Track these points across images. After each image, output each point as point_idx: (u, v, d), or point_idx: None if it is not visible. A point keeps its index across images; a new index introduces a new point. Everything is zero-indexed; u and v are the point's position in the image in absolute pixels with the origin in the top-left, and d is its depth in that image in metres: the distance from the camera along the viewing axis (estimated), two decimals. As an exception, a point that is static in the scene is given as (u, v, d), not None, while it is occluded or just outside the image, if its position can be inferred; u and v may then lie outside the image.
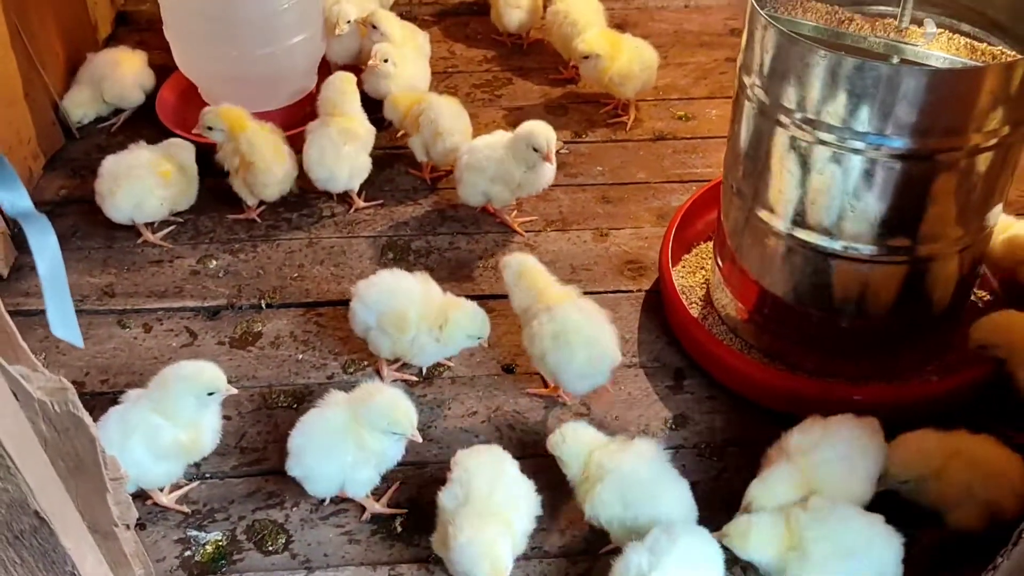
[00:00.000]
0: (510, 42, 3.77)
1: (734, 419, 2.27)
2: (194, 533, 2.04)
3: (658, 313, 2.55)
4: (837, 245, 2.07)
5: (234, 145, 2.74)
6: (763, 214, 2.17)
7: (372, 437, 1.97)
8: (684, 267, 2.65)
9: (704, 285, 2.59)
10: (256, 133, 2.75)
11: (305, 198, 2.93)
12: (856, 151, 1.92)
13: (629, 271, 2.70)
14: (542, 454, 2.01)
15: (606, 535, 1.99)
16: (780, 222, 2.13)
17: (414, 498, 2.10)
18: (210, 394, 2.00)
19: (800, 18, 2.12)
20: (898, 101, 1.83)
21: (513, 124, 3.21)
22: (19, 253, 2.70)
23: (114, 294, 2.64)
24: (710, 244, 2.65)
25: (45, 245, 1.08)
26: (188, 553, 2.00)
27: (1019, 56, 1.90)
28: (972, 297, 2.42)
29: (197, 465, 2.13)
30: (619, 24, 3.79)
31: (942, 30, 2.05)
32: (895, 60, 2.02)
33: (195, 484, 2.13)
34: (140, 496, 2.05)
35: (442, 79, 3.55)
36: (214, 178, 2.84)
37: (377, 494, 2.08)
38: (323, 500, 2.09)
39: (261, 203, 2.88)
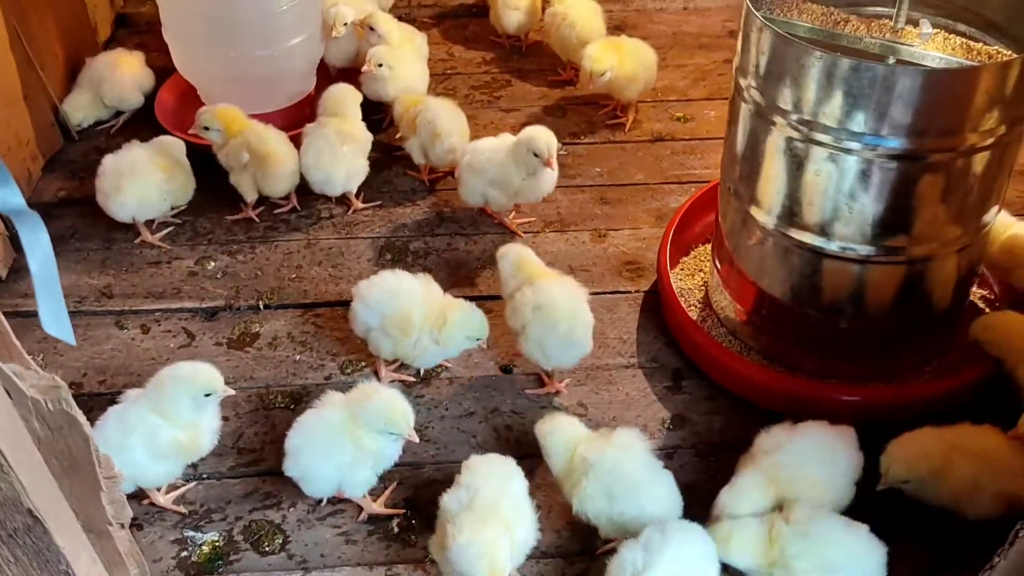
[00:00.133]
0: (509, 44, 3.77)
1: (733, 420, 2.27)
2: (191, 534, 2.04)
3: (656, 314, 2.55)
4: (834, 246, 2.07)
5: (242, 140, 2.74)
6: (760, 215, 2.17)
7: (369, 437, 1.98)
8: (682, 269, 2.65)
9: (703, 287, 2.59)
10: (261, 127, 2.78)
11: (304, 200, 2.93)
12: (852, 152, 1.92)
13: (627, 272, 2.70)
14: (540, 455, 2.00)
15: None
16: (777, 223, 2.13)
17: (411, 499, 2.10)
18: (207, 395, 2.00)
19: (796, 19, 2.12)
20: (894, 101, 1.82)
21: (512, 126, 3.23)
22: (17, 254, 2.71)
23: (112, 295, 2.64)
24: (708, 247, 2.65)
25: (37, 242, 1.08)
26: (185, 554, 2.00)
27: (1015, 55, 1.90)
28: (971, 297, 2.42)
29: (194, 466, 2.13)
30: (618, 26, 3.80)
31: (938, 30, 2.05)
32: (891, 61, 2.02)
33: (192, 485, 2.13)
34: (137, 496, 2.05)
35: (441, 81, 3.56)
36: (213, 179, 2.84)
37: (374, 494, 2.08)
38: (320, 500, 2.09)
39: (258, 204, 2.88)
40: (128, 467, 1.91)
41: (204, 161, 2.84)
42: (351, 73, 3.17)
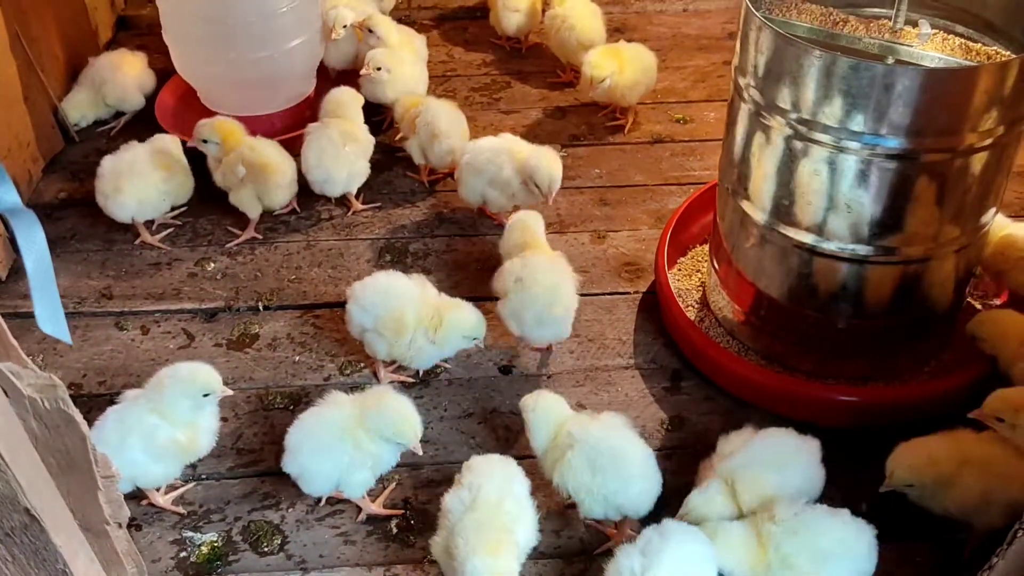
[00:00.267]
0: (509, 46, 3.78)
1: (731, 421, 2.26)
2: (190, 534, 2.04)
3: (655, 314, 2.55)
4: (833, 246, 2.07)
5: (237, 155, 2.73)
6: (758, 215, 2.16)
7: (371, 441, 1.97)
8: (680, 270, 2.65)
9: (701, 288, 2.59)
10: (256, 140, 2.77)
11: (303, 201, 2.93)
12: (851, 151, 1.92)
13: (626, 273, 2.70)
14: (539, 455, 2.01)
15: (602, 536, 1.99)
16: (775, 223, 2.13)
17: (409, 499, 2.10)
18: (205, 395, 2.00)
19: (795, 20, 2.12)
20: (893, 101, 1.83)
21: (512, 128, 3.23)
22: (17, 256, 2.71)
23: (112, 296, 2.64)
24: (706, 247, 2.65)
25: (32, 241, 1.08)
26: (184, 554, 2.00)
27: (1014, 56, 1.90)
28: (970, 297, 2.42)
29: (193, 466, 2.13)
30: (618, 28, 3.80)
31: (936, 31, 2.05)
32: (890, 61, 2.02)
33: (191, 485, 2.13)
34: (136, 497, 2.05)
35: (441, 83, 3.56)
36: (212, 180, 2.84)
37: (373, 495, 2.08)
38: (319, 501, 2.09)
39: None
40: (127, 467, 1.91)
41: (204, 161, 2.84)
42: (351, 75, 3.18)
